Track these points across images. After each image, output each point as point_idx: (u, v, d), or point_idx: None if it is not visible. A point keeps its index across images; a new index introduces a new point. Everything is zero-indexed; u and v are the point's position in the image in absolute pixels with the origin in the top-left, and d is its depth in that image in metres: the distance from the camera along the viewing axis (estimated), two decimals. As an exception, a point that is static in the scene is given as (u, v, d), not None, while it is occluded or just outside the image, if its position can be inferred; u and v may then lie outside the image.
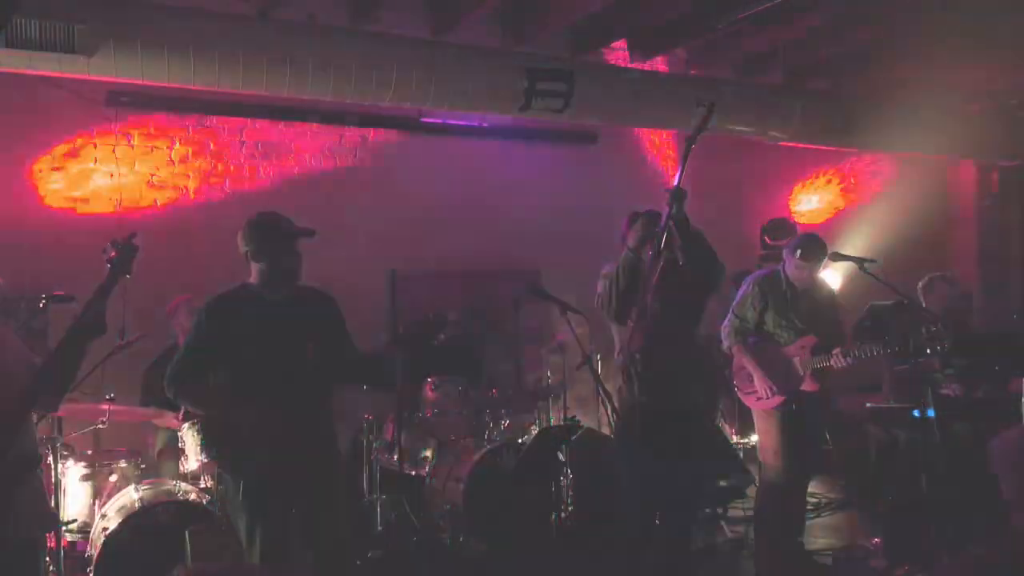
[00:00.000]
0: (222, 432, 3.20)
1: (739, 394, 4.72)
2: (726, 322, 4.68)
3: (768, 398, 4.50)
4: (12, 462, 2.69)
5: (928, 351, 4.26)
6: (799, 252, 4.51)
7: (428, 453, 5.49)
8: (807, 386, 4.53)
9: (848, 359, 4.40)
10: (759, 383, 4.50)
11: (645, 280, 3.60)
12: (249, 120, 6.03)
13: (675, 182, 3.56)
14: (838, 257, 4.59)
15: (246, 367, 3.20)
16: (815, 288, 4.66)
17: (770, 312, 4.57)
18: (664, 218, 3.56)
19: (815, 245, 4.53)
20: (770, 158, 8.14)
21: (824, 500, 6.13)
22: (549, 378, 6.33)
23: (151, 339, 4.25)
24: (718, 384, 4.79)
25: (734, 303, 4.73)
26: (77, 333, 2.78)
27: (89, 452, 4.92)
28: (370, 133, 6.47)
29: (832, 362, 4.43)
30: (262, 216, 3.27)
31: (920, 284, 5.42)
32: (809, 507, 5.94)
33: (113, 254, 2.86)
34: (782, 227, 7.75)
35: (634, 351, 3.63)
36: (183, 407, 4.26)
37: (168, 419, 4.76)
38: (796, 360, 4.51)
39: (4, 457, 2.64)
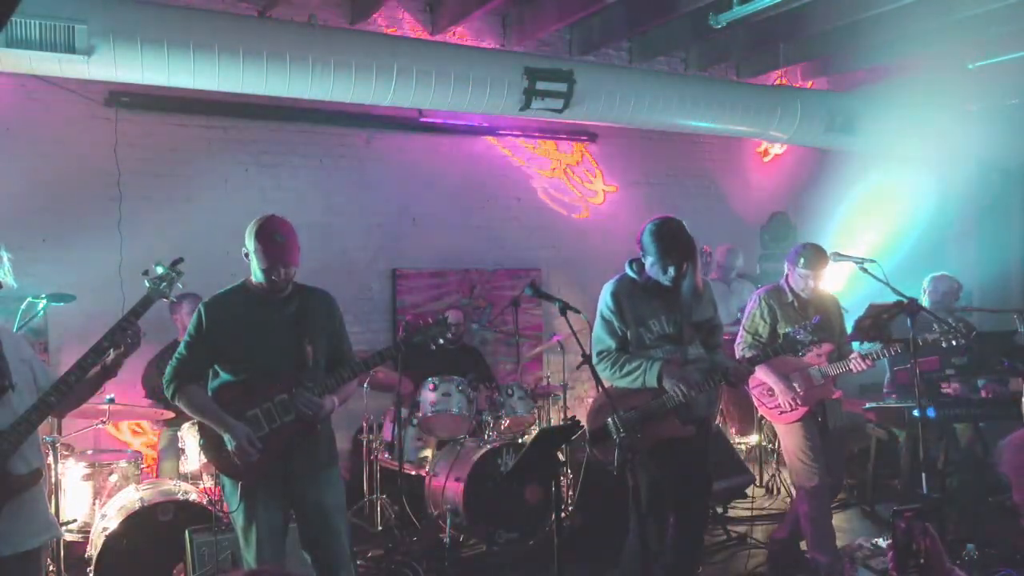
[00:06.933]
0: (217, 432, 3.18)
1: (762, 409, 4.64)
2: (739, 339, 4.61)
3: (792, 410, 4.42)
4: (18, 476, 2.68)
5: (944, 345, 4.27)
6: (802, 262, 4.49)
7: (428, 453, 5.50)
8: (833, 394, 4.47)
9: (868, 362, 4.34)
10: (781, 396, 4.41)
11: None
12: (249, 120, 6.02)
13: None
14: (838, 257, 4.57)
15: (244, 366, 3.20)
16: (819, 296, 4.61)
17: (781, 324, 4.48)
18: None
19: (817, 254, 4.50)
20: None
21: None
22: (549, 378, 6.33)
23: (152, 334, 4.19)
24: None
25: (744, 320, 4.66)
26: (106, 344, 2.78)
27: (89, 452, 4.94)
28: (370, 133, 6.46)
29: (852, 366, 4.37)
30: (269, 220, 3.25)
31: (922, 284, 5.43)
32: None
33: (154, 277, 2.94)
34: (783, 226, 7.76)
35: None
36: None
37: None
38: (813, 368, 4.43)
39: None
